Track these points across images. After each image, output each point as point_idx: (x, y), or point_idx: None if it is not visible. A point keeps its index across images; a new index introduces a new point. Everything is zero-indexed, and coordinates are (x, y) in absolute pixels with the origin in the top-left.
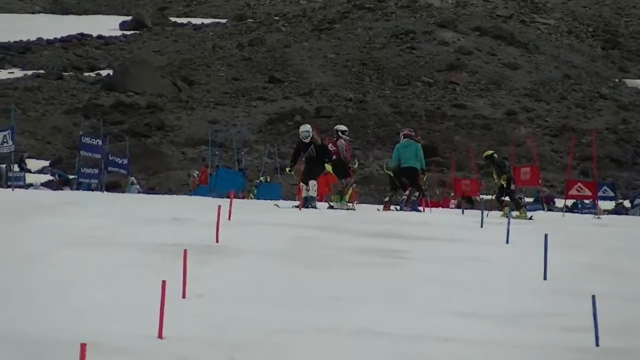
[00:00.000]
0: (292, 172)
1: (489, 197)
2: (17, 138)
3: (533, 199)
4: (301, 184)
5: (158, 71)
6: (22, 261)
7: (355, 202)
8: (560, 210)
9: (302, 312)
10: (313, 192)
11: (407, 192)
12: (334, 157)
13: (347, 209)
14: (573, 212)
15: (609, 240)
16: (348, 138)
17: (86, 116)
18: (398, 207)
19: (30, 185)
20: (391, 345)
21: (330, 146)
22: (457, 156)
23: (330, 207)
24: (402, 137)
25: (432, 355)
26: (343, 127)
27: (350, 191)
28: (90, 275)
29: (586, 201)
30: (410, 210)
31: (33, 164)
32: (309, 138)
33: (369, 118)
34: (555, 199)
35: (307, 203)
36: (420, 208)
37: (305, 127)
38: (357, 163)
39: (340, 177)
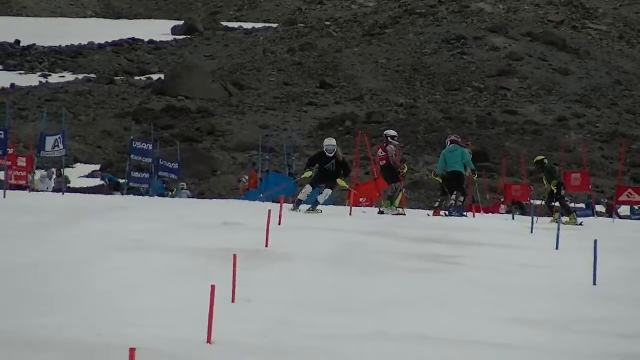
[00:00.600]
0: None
1: (539, 202)
2: (68, 142)
3: (584, 205)
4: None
5: (209, 76)
6: (71, 266)
7: (405, 207)
8: (624, 216)
9: (351, 317)
10: (303, 196)
11: (454, 197)
12: (384, 162)
13: (397, 214)
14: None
15: None
16: (398, 143)
17: (137, 121)
18: (447, 213)
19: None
20: (441, 351)
21: (380, 152)
22: (507, 162)
23: (381, 212)
24: (449, 143)
25: None
26: (393, 133)
27: (400, 196)
28: (139, 280)
29: (636, 207)
30: (458, 216)
31: (83, 168)
32: (334, 153)
33: (420, 123)
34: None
35: (297, 205)
36: (469, 214)
37: (331, 142)
38: (406, 168)
39: (390, 182)
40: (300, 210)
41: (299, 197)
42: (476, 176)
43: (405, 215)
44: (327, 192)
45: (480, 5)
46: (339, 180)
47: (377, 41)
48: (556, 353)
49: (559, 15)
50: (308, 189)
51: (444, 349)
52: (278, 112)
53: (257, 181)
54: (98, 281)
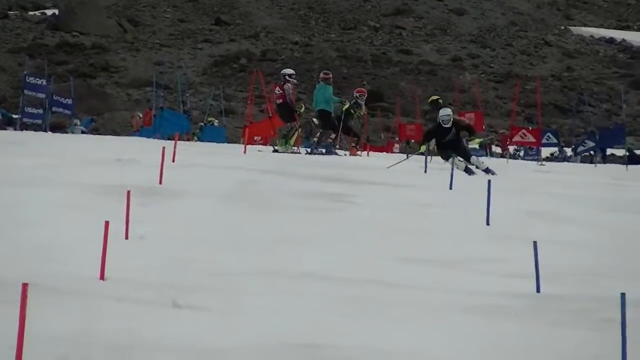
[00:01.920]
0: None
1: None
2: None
3: (478, 145)
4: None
5: (104, 12)
6: None
7: (300, 145)
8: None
9: (246, 254)
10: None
11: (318, 134)
12: (280, 100)
13: (292, 153)
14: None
15: (551, 187)
16: (295, 81)
17: (31, 56)
18: (307, 150)
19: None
20: (336, 289)
21: (277, 90)
22: (402, 101)
23: (275, 150)
24: (320, 81)
25: (375, 299)
26: (290, 71)
27: (295, 135)
28: (32, 215)
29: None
30: (325, 154)
31: None
32: (450, 122)
33: (315, 62)
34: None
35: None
36: (340, 152)
37: (447, 111)
38: (303, 107)
39: (286, 120)
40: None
41: (467, 166)
42: (345, 106)
43: (299, 153)
44: (478, 160)
45: None
46: (469, 139)
47: None
48: (447, 291)
49: None
50: (460, 164)
51: (337, 287)
52: (173, 48)
53: (151, 118)
54: None
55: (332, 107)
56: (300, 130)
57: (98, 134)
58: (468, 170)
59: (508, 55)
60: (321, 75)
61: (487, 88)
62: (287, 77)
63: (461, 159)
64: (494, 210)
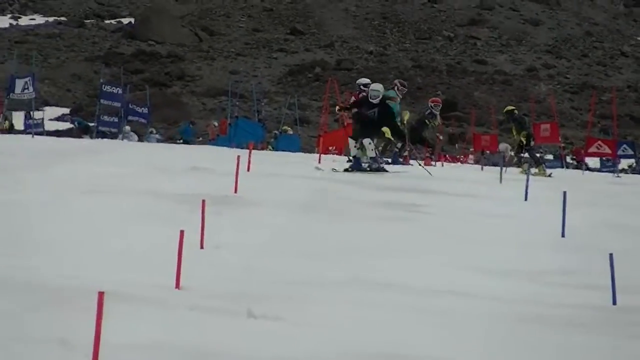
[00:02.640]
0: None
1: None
2: (37, 85)
3: (553, 156)
4: (350, 140)
5: (179, 21)
6: (42, 208)
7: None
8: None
9: (320, 264)
10: (371, 152)
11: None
12: (356, 109)
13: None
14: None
15: (628, 199)
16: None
17: (107, 64)
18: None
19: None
20: (410, 299)
21: (353, 99)
22: (476, 112)
23: (350, 160)
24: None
25: (451, 310)
26: (365, 80)
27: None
28: (108, 224)
29: (605, 159)
30: (390, 163)
31: (53, 111)
32: (378, 99)
33: (390, 71)
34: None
35: (358, 163)
36: (437, 163)
37: (378, 86)
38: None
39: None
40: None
41: (352, 154)
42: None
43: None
44: (366, 142)
45: None
46: (384, 129)
47: None
48: (521, 303)
49: None
50: (351, 142)
51: (411, 297)
52: (248, 58)
53: (226, 127)
54: (67, 224)
55: (397, 117)
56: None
57: (173, 143)
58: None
59: (584, 66)
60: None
61: (563, 99)
62: (362, 87)
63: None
64: (570, 221)
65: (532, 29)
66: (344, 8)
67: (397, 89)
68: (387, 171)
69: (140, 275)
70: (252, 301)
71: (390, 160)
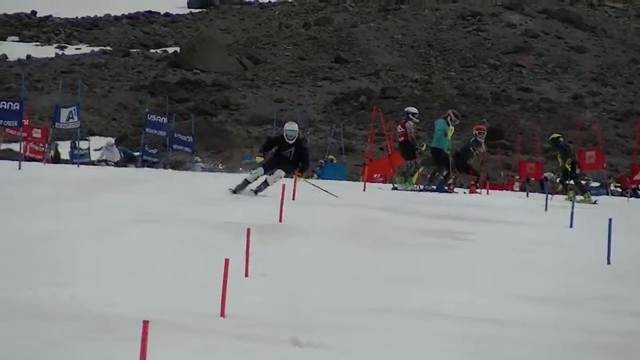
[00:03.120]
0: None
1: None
2: (82, 114)
3: (599, 184)
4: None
5: (224, 49)
6: (85, 237)
7: (421, 183)
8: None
9: (364, 292)
10: (251, 177)
11: (431, 173)
12: (402, 138)
13: (412, 190)
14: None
15: None
16: (417, 121)
17: (152, 93)
18: (420, 187)
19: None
20: (453, 327)
21: (399, 128)
22: (522, 139)
23: (395, 188)
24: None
25: (494, 338)
26: (413, 110)
27: (416, 173)
28: (153, 253)
29: None
30: (437, 191)
31: (98, 141)
32: (294, 139)
33: (435, 99)
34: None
35: (242, 187)
36: (457, 190)
37: (293, 126)
38: (425, 145)
39: (407, 158)
40: (239, 193)
41: (245, 177)
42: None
43: (421, 190)
44: (279, 173)
45: None
46: (298, 174)
47: (393, 16)
48: (567, 330)
49: None
50: (259, 171)
51: (456, 326)
52: (293, 86)
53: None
54: (111, 253)
55: (444, 144)
56: (422, 167)
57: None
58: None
59: (629, 93)
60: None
61: (608, 126)
62: (410, 116)
63: (277, 171)
64: (615, 248)
65: (577, 56)
66: (390, 36)
67: (451, 119)
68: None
69: (184, 303)
70: (297, 329)
71: (435, 187)
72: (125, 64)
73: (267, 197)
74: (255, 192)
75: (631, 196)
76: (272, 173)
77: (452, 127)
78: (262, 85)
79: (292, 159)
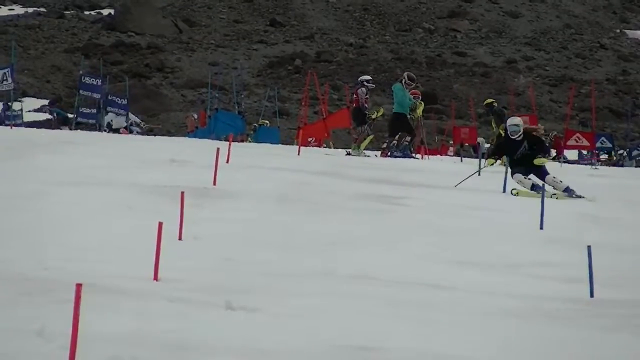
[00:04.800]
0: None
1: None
2: (16, 76)
3: None
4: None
5: (159, 12)
6: (19, 199)
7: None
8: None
9: (298, 256)
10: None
11: (396, 138)
12: (354, 104)
13: (365, 156)
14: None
15: (606, 192)
16: (372, 86)
17: (86, 55)
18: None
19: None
20: (385, 291)
21: (353, 95)
22: (456, 104)
23: (348, 154)
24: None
25: (427, 302)
26: (366, 77)
27: (367, 139)
28: (86, 216)
29: (584, 152)
30: (401, 156)
31: (32, 102)
32: (520, 133)
33: (369, 64)
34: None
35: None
36: (418, 155)
37: (514, 120)
38: (381, 111)
39: (357, 124)
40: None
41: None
42: (421, 107)
43: (368, 157)
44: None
45: None
46: (536, 160)
47: None
48: (500, 295)
49: None
50: (526, 182)
51: (391, 290)
52: (228, 49)
53: (206, 119)
54: (45, 215)
55: (406, 109)
56: (371, 135)
57: (152, 135)
58: (535, 188)
59: (563, 58)
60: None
61: (542, 91)
62: (364, 82)
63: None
64: (548, 214)
65: (511, 21)
66: (325, 0)
67: (405, 82)
68: None
69: (118, 267)
70: (230, 293)
71: (402, 154)
72: (59, 25)
73: (199, 161)
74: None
75: (564, 161)
76: (539, 175)
77: (421, 102)
78: (197, 48)
79: (529, 152)
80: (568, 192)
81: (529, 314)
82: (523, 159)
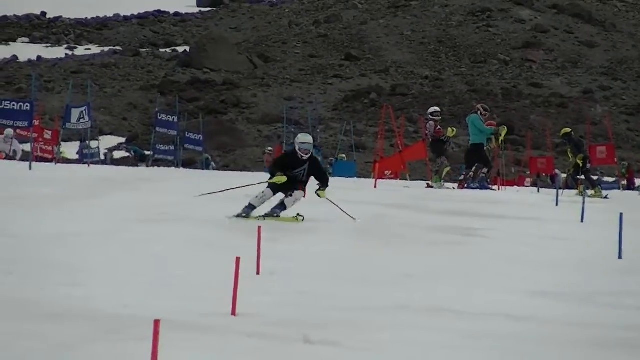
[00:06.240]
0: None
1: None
2: (93, 114)
3: (613, 179)
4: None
5: (234, 48)
6: (97, 237)
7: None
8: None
9: (376, 289)
10: (257, 202)
11: (473, 169)
12: (430, 139)
13: (445, 188)
14: None
15: None
16: (438, 119)
17: (162, 93)
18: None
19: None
20: (465, 324)
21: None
22: (532, 135)
23: (430, 186)
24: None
25: (506, 334)
26: (432, 109)
27: (446, 170)
28: (164, 252)
29: None
30: (479, 188)
31: (109, 140)
32: (309, 154)
33: (445, 96)
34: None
35: (248, 210)
36: (494, 186)
37: (307, 138)
38: (454, 130)
39: (436, 156)
40: (248, 216)
41: (250, 201)
42: (496, 140)
43: (448, 189)
44: (298, 194)
45: None
46: (319, 192)
47: (402, 13)
48: (581, 326)
49: None
50: (267, 193)
51: (468, 322)
52: (303, 84)
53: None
54: (123, 253)
55: (484, 140)
56: (448, 167)
57: (229, 170)
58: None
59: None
60: (476, 105)
61: (619, 121)
62: (429, 116)
63: (296, 193)
64: (627, 243)
65: (587, 51)
66: (399, 33)
67: (481, 113)
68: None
69: (196, 302)
70: (308, 327)
71: (478, 185)
72: (135, 63)
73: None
74: (264, 216)
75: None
76: (290, 195)
77: (504, 127)
78: (273, 83)
79: (304, 179)
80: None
81: (611, 344)
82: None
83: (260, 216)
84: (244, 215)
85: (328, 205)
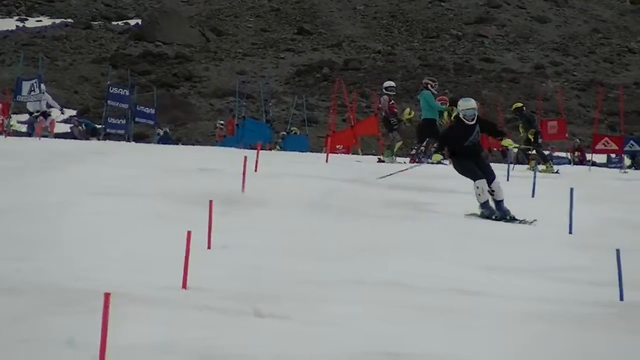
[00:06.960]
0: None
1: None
2: (44, 87)
3: (565, 155)
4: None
5: (187, 21)
6: (49, 210)
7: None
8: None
9: (327, 263)
10: (484, 197)
11: (424, 144)
12: (382, 113)
13: (397, 163)
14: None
15: (634, 195)
16: (392, 93)
17: (114, 66)
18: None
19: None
20: (417, 298)
21: (379, 103)
22: (484, 110)
23: (381, 161)
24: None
25: (456, 308)
26: (387, 84)
27: (397, 145)
28: (116, 225)
29: (612, 155)
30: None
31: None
32: (474, 118)
33: (397, 71)
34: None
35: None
36: (446, 161)
37: (470, 103)
38: (411, 112)
39: (387, 131)
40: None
41: (479, 202)
42: (454, 113)
43: (400, 163)
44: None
45: None
46: (504, 141)
47: None
48: (528, 300)
49: None
50: (481, 184)
51: (420, 296)
52: (255, 58)
53: (234, 128)
54: (74, 226)
55: (436, 115)
56: (400, 142)
57: (181, 144)
58: (486, 208)
59: (591, 63)
60: (424, 80)
61: (570, 96)
62: (384, 90)
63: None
64: (577, 218)
65: (539, 26)
66: (352, 7)
67: (432, 86)
68: None
69: (147, 276)
70: (259, 301)
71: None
72: (87, 36)
73: (227, 170)
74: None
75: (592, 164)
76: (492, 180)
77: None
78: (225, 57)
79: (478, 142)
80: (485, 208)
81: (559, 318)
82: (473, 148)
83: (495, 217)
84: (494, 217)
85: (280, 178)
